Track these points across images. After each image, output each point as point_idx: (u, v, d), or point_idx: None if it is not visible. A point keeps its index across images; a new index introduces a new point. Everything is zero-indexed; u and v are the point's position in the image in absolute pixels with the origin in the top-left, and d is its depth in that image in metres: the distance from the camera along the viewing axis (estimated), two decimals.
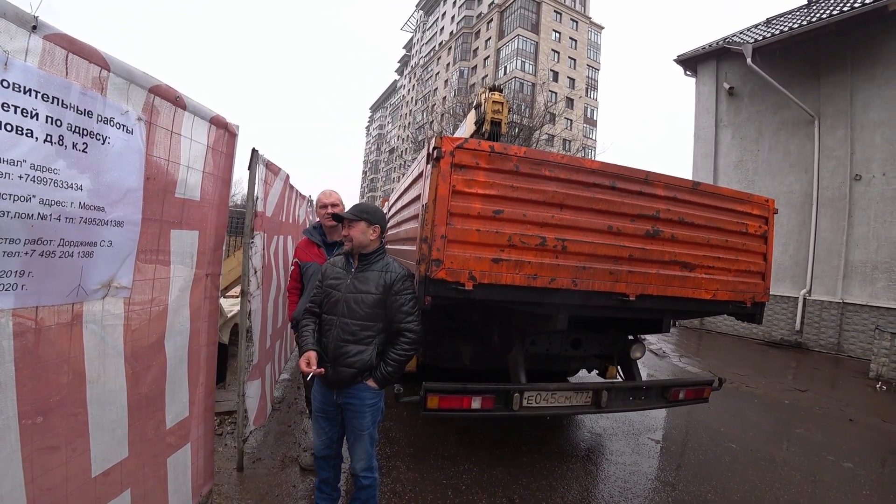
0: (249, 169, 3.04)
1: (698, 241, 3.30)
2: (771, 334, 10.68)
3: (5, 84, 1.26)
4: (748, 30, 12.35)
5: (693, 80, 13.25)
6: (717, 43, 12.19)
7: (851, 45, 9.63)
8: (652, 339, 9.73)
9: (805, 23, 9.90)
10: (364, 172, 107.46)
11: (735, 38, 11.84)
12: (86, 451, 1.68)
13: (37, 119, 1.35)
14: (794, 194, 10.62)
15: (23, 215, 1.33)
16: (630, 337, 4.06)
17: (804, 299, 10.19)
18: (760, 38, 10.73)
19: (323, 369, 2.40)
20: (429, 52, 69.88)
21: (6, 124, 1.27)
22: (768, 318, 10.48)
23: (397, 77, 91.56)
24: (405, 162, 57.19)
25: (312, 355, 2.41)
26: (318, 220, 3.66)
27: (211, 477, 2.72)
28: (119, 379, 1.82)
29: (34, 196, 1.36)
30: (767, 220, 3.64)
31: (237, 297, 4.89)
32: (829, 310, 9.81)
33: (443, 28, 66.91)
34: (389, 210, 5.51)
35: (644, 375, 4.20)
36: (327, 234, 3.54)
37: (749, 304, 3.58)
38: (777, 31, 10.52)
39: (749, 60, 10.41)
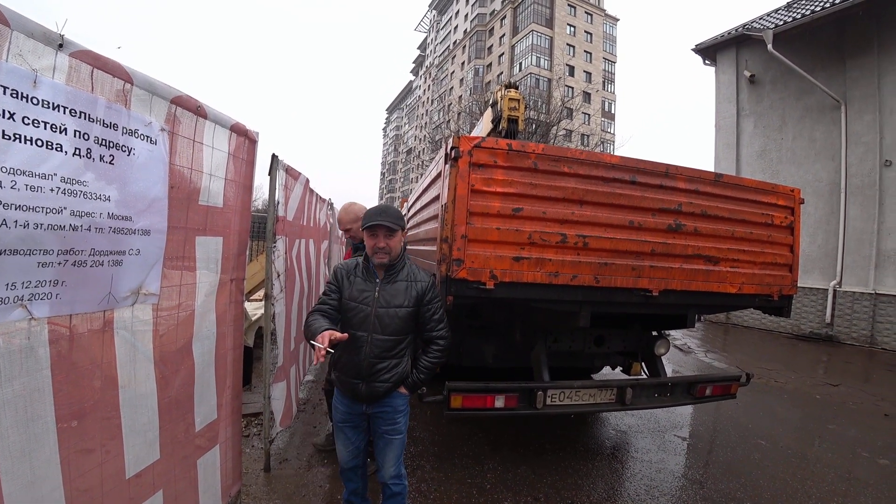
0: (270, 174, 3.08)
1: (722, 233, 3.25)
2: (800, 328, 10.42)
3: (35, 101, 1.29)
4: (768, 15, 12.03)
5: (712, 69, 13.01)
6: (737, 30, 11.94)
7: (878, 27, 9.34)
8: (676, 335, 9.59)
9: (829, 5, 9.61)
10: (382, 174, 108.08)
11: (755, 24, 11.56)
12: (120, 454, 1.72)
13: (65, 133, 1.39)
14: (822, 183, 10.34)
15: (55, 227, 1.37)
16: (654, 333, 4.01)
17: (834, 291, 9.92)
18: (781, 22, 10.46)
19: (343, 336, 2.14)
20: (443, 52, 69.77)
21: (37, 140, 1.31)
22: (797, 311, 10.23)
23: (412, 78, 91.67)
24: (423, 162, 57.34)
25: (328, 333, 2.08)
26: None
27: (239, 478, 2.77)
28: (149, 383, 1.86)
29: (65, 208, 1.40)
30: (793, 210, 3.55)
31: (261, 300, 4.98)
32: (860, 301, 9.52)
33: (456, 27, 66.73)
34: (409, 211, 5.53)
35: (669, 371, 4.14)
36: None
37: (776, 297, 3.51)
38: (799, 15, 10.24)
39: (770, 46, 10.18)
